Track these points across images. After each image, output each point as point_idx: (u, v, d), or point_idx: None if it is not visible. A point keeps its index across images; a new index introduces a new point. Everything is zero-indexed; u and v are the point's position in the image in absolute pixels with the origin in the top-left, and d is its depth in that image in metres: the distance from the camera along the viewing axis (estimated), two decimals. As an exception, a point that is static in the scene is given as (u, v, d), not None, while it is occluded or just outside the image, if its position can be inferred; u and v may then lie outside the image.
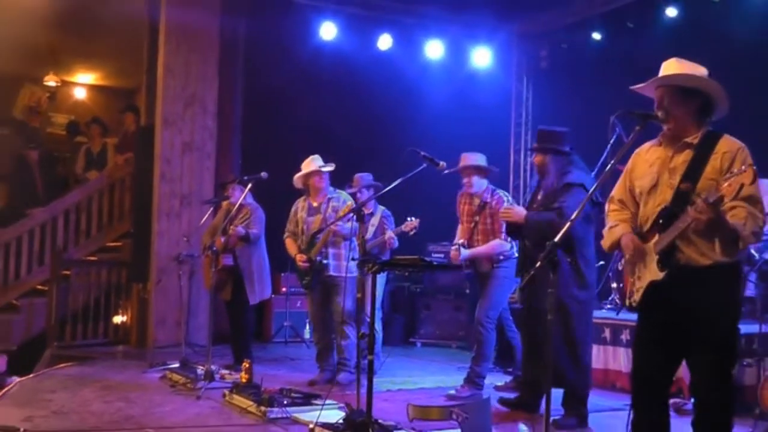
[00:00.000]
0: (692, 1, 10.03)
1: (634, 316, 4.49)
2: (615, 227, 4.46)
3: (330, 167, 7.98)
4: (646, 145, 4.48)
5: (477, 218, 7.55)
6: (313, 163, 8.01)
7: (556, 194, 6.40)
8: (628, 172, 4.53)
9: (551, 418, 4.09)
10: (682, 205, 4.01)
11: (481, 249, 7.48)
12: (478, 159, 7.58)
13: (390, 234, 8.12)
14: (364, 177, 8.52)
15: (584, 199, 6.20)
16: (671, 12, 10.21)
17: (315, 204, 8.04)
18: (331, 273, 7.84)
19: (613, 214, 4.55)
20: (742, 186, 3.75)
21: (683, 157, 4.22)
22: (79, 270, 10.87)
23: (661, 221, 4.16)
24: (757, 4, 9.32)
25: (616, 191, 4.59)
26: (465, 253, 7.49)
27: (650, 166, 4.36)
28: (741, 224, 3.91)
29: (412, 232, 8.16)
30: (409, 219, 8.18)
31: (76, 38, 12.17)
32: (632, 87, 4.46)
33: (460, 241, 7.55)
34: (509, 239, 7.33)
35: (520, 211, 6.59)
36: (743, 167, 3.77)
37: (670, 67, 4.32)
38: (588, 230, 6.36)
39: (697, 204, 3.85)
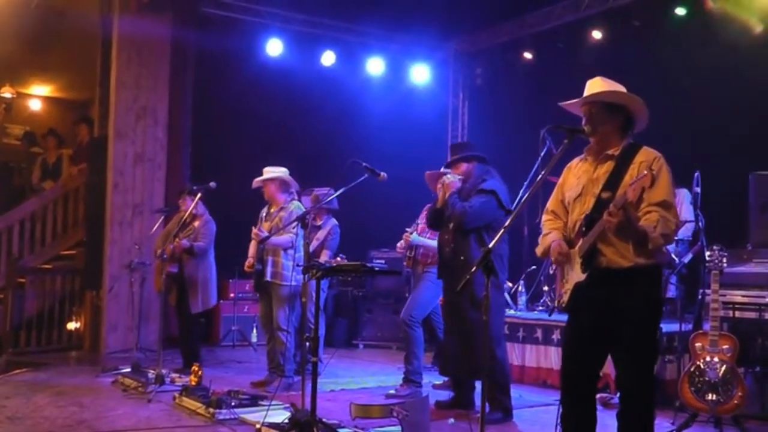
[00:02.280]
0: (616, 24, 10.20)
1: (564, 317, 4.53)
2: (547, 235, 4.53)
3: (269, 175, 7.82)
4: (575, 160, 4.54)
5: None
6: (265, 173, 7.89)
7: (468, 196, 6.52)
8: (560, 185, 4.60)
9: (477, 415, 4.10)
10: (602, 212, 4.06)
11: (429, 241, 7.53)
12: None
13: (325, 258, 8.10)
14: (320, 195, 8.37)
15: (494, 205, 6.41)
16: (597, 34, 10.38)
17: (272, 210, 7.92)
18: (267, 279, 7.69)
19: (547, 224, 4.61)
20: (643, 189, 3.89)
21: (605, 168, 4.29)
22: (34, 278, 10.60)
23: (583, 228, 4.23)
24: (674, 28, 9.51)
25: (550, 203, 4.65)
26: (416, 238, 7.56)
27: (577, 178, 4.43)
28: (651, 227, 4.00)
29: None
30: (339, 257, 8.22)
31: (31, 51, 11.95)
32: (561, 103, 4.50)
33: (414, 229, 7.59)
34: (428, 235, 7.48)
35: (455, 183, 6.63)
36: (644, 172, 3.90)
37: (596, 85, 4.38)
38: (502, 242, 6.48)
39: (609, 209, 3.96)
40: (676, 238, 7.59)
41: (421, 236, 7.64)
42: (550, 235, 4.50)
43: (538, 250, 4.59)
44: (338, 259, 8.33)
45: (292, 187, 7.96)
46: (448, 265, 6.66)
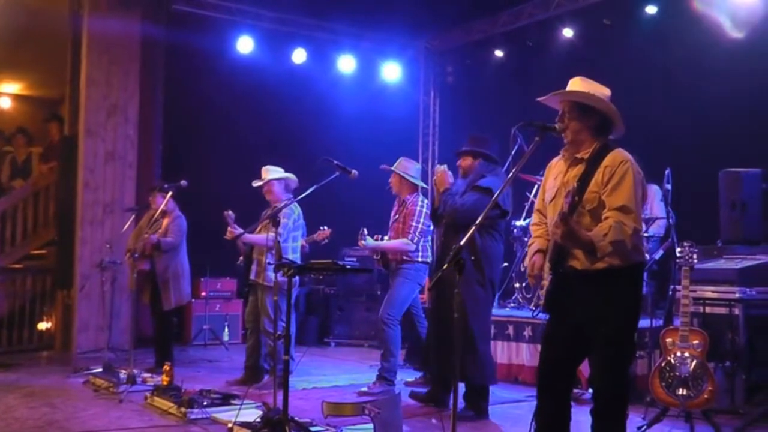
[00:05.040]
0: (585, 23, 10.21)
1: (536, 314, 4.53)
2: (532, 245, 4.53)
3: (268, 176, 7.71)
4: (556, 158, 4.50)
5: (396, 216, 7.56)
6: (264, 173, 7.78)
7: (465, 192, 6.45)
8: (543, 184, 4.58)
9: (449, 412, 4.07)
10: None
11: (383, 244, 7.53)
12: (409, 167, 7.59)
13: (302, 241, 7.98)
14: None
15: (487, 203, 6.29)
16: (567, 32, 10.38)
17: (268, 210, 7.82)
18: (251, 277, 7.67)
19: (534, 228, 4.61)
20: (605, 192, 3.93)
21: (575, 172, 4.24)
22: (4, 277, 10.43)
23: None
24: (644, 27, 9.52)
25: (537, 202, 4.66)
26: (369, 243, 7.48)
27: (555, 179, 4.40)
28: (601, 234, 3.95)
29: (324, 242, 8.07)
30: (321, 228, 8.10)
31: (1, 49, 11.77)
32: (538, 99, 4.45)
33: (365, 231, 7.51)
34: (428, 232, 7.40)
35: (446, 179, 6.55)
36: (567, 199, 3.93)
37: (574, 84, 4.35)
38: (494, 237, 6.40)
39: (555, 220, 3.95)
40: (647, 235, 7.63)
41: (385, 239, 7.60)
42: (532, 246, 4.50)
43: (526, 261, 4.62)
44: (322, 229, 8.20)
45: (291, 186, 7.85)
46: (440, 261, 6.61)
